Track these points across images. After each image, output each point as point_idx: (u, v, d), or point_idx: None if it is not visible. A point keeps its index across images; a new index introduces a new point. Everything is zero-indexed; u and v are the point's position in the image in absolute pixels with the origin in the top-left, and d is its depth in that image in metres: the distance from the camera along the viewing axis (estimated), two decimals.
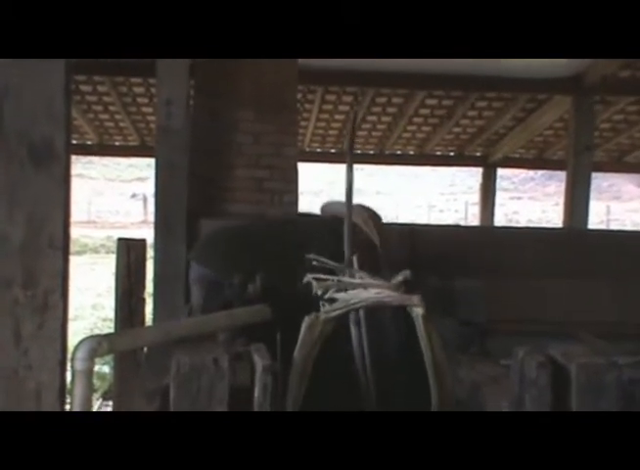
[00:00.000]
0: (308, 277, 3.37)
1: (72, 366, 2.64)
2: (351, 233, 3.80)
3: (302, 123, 11.02)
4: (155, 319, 5.90)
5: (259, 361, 2.82)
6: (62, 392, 2.87)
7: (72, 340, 2.81)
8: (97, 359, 2.66)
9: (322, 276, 3.35)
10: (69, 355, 2.71)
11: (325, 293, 3.31)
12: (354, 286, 3.30)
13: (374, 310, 3.46)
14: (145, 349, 4.26)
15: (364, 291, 3.28)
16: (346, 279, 3.34)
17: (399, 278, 3.30)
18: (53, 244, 2.75)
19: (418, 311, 3.26)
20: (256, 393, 2.77)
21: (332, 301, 3.30)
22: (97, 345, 2.64)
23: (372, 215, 4.49)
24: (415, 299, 3.28)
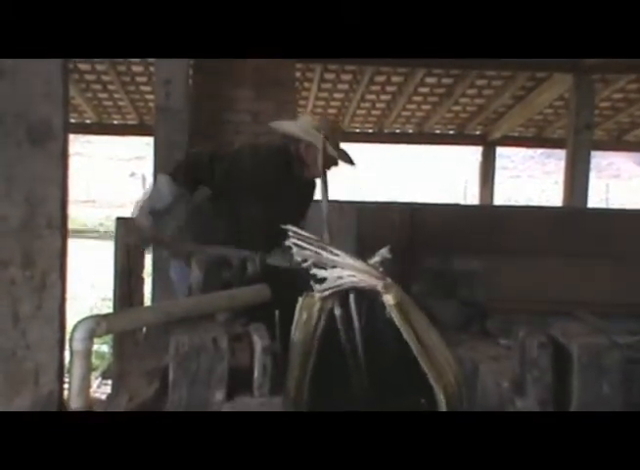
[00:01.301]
0: (289, 242, 3.26)
1: (71, 346, 2.63)
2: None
3: (301, 102, 10.97)
4: (154, 298, 5.90)
5: (259, 342, 2.81)
6: (60, 372, 2.86)
7: (71, 320, 2.80)
8: (96, 339, 2.66)
9: (302, 244, 3.23)
10: (68, 336, 2.71)
11: (304, 261, 3.21)
12: (333, 263, 3.17)
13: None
14: (144, 328, 4.25)
15: (341, 270, 3.14)
16: (326, 254, 3.20)
17: (376, 259, 3.11)
18: (51, 224, 2.74)
19: (389, 300, 3.04)
20: (256, 373, 2.77)
21: (318, 279, 3.21)
22: (95, 325, 2.63)
23: (326, 126, 4.15)
24: (383, 285, 3.05)
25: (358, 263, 3.11)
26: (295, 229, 3.25)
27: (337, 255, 3.14)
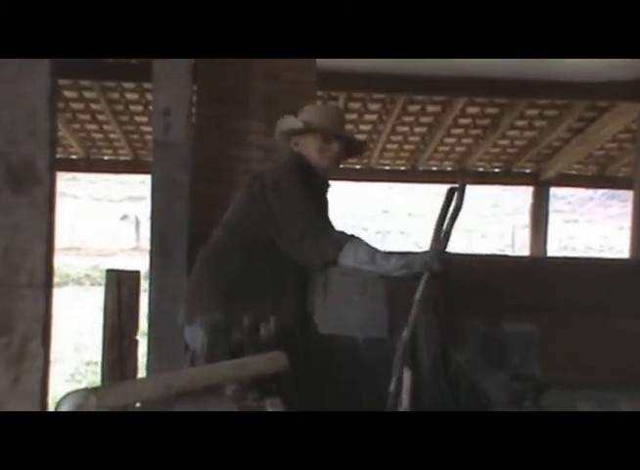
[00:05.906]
0: None
1: None
2: None
3: None
4: (149, 364, 5.87)
5: None
6: None
7: (51, 387, 2.79)
8: None
9: None
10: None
11: None
12: None
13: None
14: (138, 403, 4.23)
15: None
16: None
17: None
18: (32, 282, 2.73)
19: None
20: None
21: None
22: (83, 400, 2.62)
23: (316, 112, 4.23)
24: None
25: None
26: None
27: None
